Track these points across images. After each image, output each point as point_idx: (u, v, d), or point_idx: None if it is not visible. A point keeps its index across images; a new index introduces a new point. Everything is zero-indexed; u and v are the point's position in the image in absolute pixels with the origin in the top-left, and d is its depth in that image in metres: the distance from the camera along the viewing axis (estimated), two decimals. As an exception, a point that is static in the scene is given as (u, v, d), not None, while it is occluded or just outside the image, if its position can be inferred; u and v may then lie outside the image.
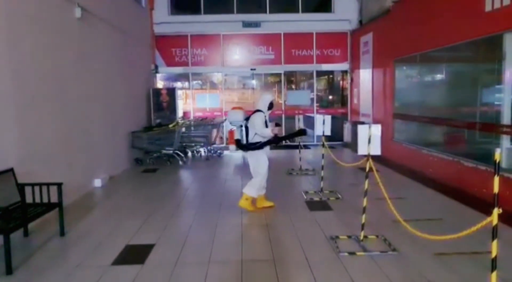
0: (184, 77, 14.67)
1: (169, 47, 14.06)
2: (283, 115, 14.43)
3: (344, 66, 14.26)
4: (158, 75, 14.18)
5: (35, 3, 6.22)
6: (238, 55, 14.28)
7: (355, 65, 13.62)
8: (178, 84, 14.86)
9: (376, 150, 4.85)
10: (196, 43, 14.11)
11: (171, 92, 12.92)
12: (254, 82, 15.32)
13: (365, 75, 12.60)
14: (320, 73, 14.89)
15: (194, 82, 14.72)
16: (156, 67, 13.75)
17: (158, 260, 4.66)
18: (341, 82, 15.30)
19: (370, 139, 4.83)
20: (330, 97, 15.87)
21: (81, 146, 7.61)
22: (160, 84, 14.42)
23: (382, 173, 9.01)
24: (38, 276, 4.29)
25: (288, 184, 8.54)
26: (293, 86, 15.78)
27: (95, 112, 8.39)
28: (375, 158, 4.96)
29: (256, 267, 4.45)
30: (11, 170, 5.27)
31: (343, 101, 14.97)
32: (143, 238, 5.36)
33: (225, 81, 14.87)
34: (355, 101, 13.83)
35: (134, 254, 4.84)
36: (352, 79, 14.08)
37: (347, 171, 9.31)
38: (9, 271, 4.34)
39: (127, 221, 6.07)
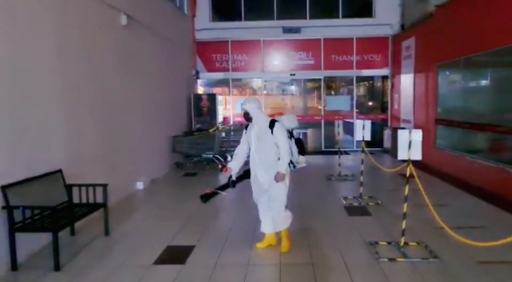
0: (224, 82, 14.87)
1: (209, 53, 14.29)
2: (322, 121, 14.36)
3: (385, 71, 14.05)
4: (199, 81, 14.43)
5: (83, 11, 6.50)
6: (278, 60, 14.34)
7: (396, 70, 13.39)
8: (219, 89, 15.07)
9: (416, 155, 4.77)
10: (236, 49, 14.28)
11: (212, 97, 13.12)
12: (293, 88, 15.34)
13: (407, 81, 12.37)
14: (360, 79, 14.73)
15: (234, 88, 14.89)
16: (197, 72, 14.00)
17: (198, 261, 4.76)
18: (381, 87, 15.07)
19: (410, 144, 4.75)
20: (370, 103, 15.65)
21: (124, 150, 7.86)
22: (200, 89, 14.67)
23: (423, 179, 8.80)
24: (84, 274, 4.47)
25: (327, 189, 8.49)
26: (333, 92, 15.69)
27: (138, 117, 8.65)
28: (415, 164, 4.88)
29: (295, 271, 4.46)
30: (60, 171, 5.53)
31: (383, 107, 14.73)
32: (183, 239, 5.48)
33: (264, 87, 14.97)
34: (395, 107, 13.59)
35: (175, 255, 4.95)
36: (393, 85, 13.85)
37: (387, 177, 9.16)
38: (57, 267, 4.54)
39: (168, 222, 6.21)
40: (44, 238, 4.92)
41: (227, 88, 14.81)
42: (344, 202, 7.18)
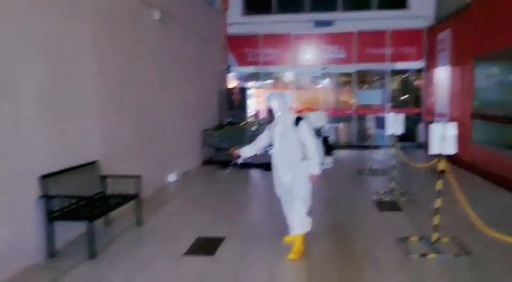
0: (255, 76, 14.89)
1: (241, 47, 14.33)
2: (354, 115, 14.20)
3: (419, 64, 13.73)
4: (231, 75, 14.50)
5: (118, 7, 6.64)
6: (309, 54, 14.24)
7: (431, 63, 13.07)
8: (250, 83, 15.10)
9: (450, 149, 4.66)
10: (268, 43, 14.26)
11: (243, 91, 13.17)
12: (325, 82, 15.20)
13: (442, 74, 12.06)
14: (393, 72, 14.45)
15: (266, 81, 14.90)
16: (229, 67, 14.07)
17: (227, 253, 4.82)
18: (415, 81, 14.75)
19: (443, 138, 4.65)
20: (404, 96, 15.34)
21: (157, 143, 8.01)
22: (232, 83, 14.74)
23: (458, 175, 8.61)
24: (118, 262, 4.61)
25: (358, 184, 8.42)
26: (365, 86, 15.46)
27: (171, 110, 8.78)
28: (450, 159, 4.78)
29: (324, 266, 4.46)
30: (95, 162, 5.70)
31: (418, 101, 14.42)
32: (214, 230, 5.55)
33: (296, 81, 14.91)
34: (430, 101, 13.28)
35: (205, 246, 5.04)
36: (427, 78, 13.53)
37: (419, 172, 8.99)
38: (92, 255, 4.70)
39: (199, 214, 6.32)
40: (80, 227, 5.07)
41: (258, 82, 14.84)
42: (375, 197, 7.11)
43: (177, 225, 5.88)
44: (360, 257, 4.64)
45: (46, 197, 4.67)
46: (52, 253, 4.74)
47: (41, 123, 4.78)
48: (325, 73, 14.77)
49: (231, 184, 8.47)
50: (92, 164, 5.64)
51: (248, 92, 13.34)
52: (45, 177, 4.72)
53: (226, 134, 11.07)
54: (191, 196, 7.60)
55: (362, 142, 13.74)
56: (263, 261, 4.57)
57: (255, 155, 5.21)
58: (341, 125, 14.91)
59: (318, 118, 4.96)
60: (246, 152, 5.04)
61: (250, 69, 14.49)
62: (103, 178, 5.76)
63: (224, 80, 13.80)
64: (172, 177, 8.68)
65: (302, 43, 14.23)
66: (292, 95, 14.63)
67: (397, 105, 14.52)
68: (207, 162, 11.01)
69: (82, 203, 4.94)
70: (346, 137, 14.66)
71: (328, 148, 5.03)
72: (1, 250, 4.16)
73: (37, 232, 4.66)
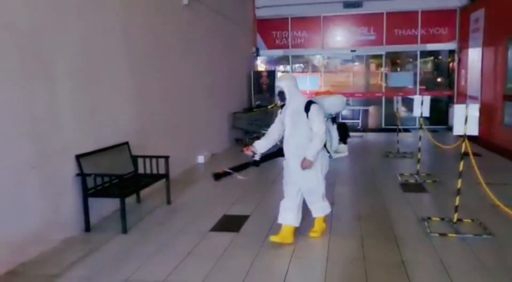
0: (285, 60, 14.93)
1: (270, 30, 14.38)
2: (383, 98, 14.08)
3: (451, 45, 13.44)
4: (259, 58, 14.59)
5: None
6: (338, 36, 14.16)
7: (464, 44, 12.78)
8: (280, 67, 15.16)
9: (473, 130, 4.67)
10: (296, 25, 14.24)
11: (271, 74, 13.26)
12: (354, 64, 15.10)
13: (474, 55, 11.79)
14: (424, 54, 14.21)
15: (296, 65, 14.93)
16: (257, 50, 14.16)
17: (251, 230, 5.02)
18: (447, 63, 14.45)
19: (467, 119, 4.66)
20: (435, 79, 15.08)
21: (186, 125, 8.25)
22: (261, 67, 14.84)
23: (489, 158, 8.56)
24: (148, 237, 4.88)
25: (384, 166, 8.45)
26: (395, 68, 15.27)
27: (200, 93, 8.99)
28: (480, 142, 4.79)
29: (344, 242, 4.59)
30: (127, 143, 5.97)
31: (449, 83, 14.15)
32: (239, 209, 5.76)
33: (325, 64, 14.87)
34: (462, 82, 13.02)
35: (230, 223, 5.25)
36: (459, 60, 13.24)
37: (447, 154, 8.92)
38: (124, 230, 4.98)
39: (225, 194, 6.53)
40: (113, 204, 5.36)
41: (287, 65, 14.88)
42: (400, 179, 7.15)
43: (204, 203, 6.12)
44: (380, 234, 4.75)
45: (82, 175, 4.96)
46: (87, 227, 5.05)
47: (76, 105, 5.05)
48: (354, 55, 14.67)
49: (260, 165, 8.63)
50: (124, 144, 5.91)
51: (277, 75, 13.41)
52: (80, 156, 5.01)
53: (255, 117, 11.25)
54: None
55: (391, 125, 13.65)
56: (286, 237, 4.74)
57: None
58: (371, 108, 14.84)
59: (335, 104, 4.62)
60: (261, 146, 4.69)
61: (279, 52, 14.53)
62: (134, 158, 6.03)
63: (253, 63, 13.91)
64: (201, 158, 8.93)
65: (331, 26, 14.16)
66: (321, 78, 14.62)
67: (429, 88, 14.31)
68: (236, 142, 11.21)
69: (115, 181, 5.21)
70: (376, 120, 14.58)
71: (344, 135, 4.75)
72: (43, 223, 4.48)
73: (74, 207, 4.98)
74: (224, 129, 10.77)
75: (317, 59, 15.07)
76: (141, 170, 6.06)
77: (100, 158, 5.34)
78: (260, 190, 6.70)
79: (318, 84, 14.49)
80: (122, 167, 5.69)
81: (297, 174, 4.46)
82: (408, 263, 4.01)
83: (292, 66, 14.75)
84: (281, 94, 4.51)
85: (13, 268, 4.01)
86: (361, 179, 7.39)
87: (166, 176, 6.01)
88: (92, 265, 4.17)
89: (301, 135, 4.40)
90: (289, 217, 4.56)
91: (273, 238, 4.48)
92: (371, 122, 14.63)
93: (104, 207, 5.41)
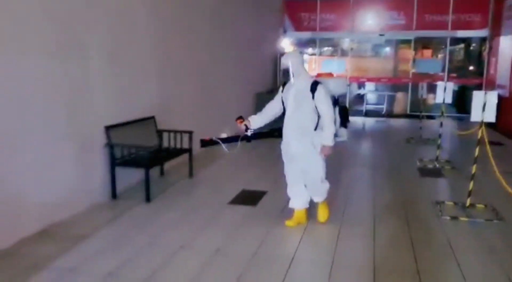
0: (312, 42, 14.91)
1: (298, 12, 14.33)
2: (410, 84, 13.97)
3: (483, 33, 13.14)
4: (286, 40, 14.59)
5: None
6: (367, 20, 14.02)
7: (496, 32, 12.50)
8: (310, 50, 15.13)
9: (490, 117, 4.74)
10: (325, 8, 14.15)
11: (297, 56, 13.29)
12: (382, 48, 14.97)
13: (506, 43, 11.55)
14: (454, 40, 13.96)
15: (324, 48, 14.89)
16: (285, 32, 14.19)
17: (268, 204, 5.24)
18: (478, 50, 14.18)
19: (484, 106, 4.72)
20: (465, 66, 14.84)
21: (210, 103, 8.46)
22: (288, 49, 14.85)
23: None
24: (170, 206, 5.16)
25: (404, 151, 8.51)
26: (424, 54, 15.06)
27: (225, 73, 9.17)
28: (507, 132, 4.84)
29: (356, 220, 4.76)
30: (153, 117, 6.23)
31: (479, 71, 13.90)
32: (258, 185, 5.97)
33: (352, 47, 14.79)
34: (491, 71, 12.79)
35: (248, 197, 5.48)
36: (490, 47, 12.97)
37: (468, 141, 8.87)
38: (148, 199, 5.28)
39: (246, 170, 6.76)
40: (137, 175, 5.64)
41: (314, 48, 14.87)
42: (419, 164, 7.22)
43: (224, 178, 6.37)
44: (392, 215, 4.90)
45: (110, 145, 5.26)
46: (114, 194, 5.37)
47: (107, 79, 5.32)
48: (383, 40, 14.54)
49: (280, 145, 8.82)
50: (150, 118, 6.18)
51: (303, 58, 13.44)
52: (109, 128, 5.29)
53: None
54: (240, 154, 7.98)
55: (416, 111, 13.56)
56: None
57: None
58: (398, 94, 14.73)
59: (338, 86, 4.51)
60: (256, 122, 4.53)
61: (306, 34, 14.50)
62: (160, 132, 6.29)
63: (279, 45, 13.96)
64: (223, 136, 9.13)
65: (360, 9, 14.01)
66: (348, 62, 14.57)
67: (458, 75, 14.10)
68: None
69: (140, 152, 5.48)
70: (401, 107, 14.50)
71: (345, 119, 4.66)
72: (74, 188, 4.80)
73: (103, 175, 5.29)
74: (248, 110, 10.92)
75: (345, 43, 14.99)
76: (165, 144, 6.33)
77: (127, 130, 5.61)
78: (279, 168, 6.87)
79: (345, 68, 14.45)
80: (147, 139, 5.95)
81: (299, 158, 4.36)
82: (417, 242, 4.15)
83: (320, 49, 14.72)
84: (286, 72, 4.26)
85: (46, 228, 4.34)
86: (380, 162, 7.50)
87: (189, 150, 6.26)
88: (117, 228, 4.48)
89: (304, 118, 4.24)
90: (297, 201, 4.57)
91: (289, 223, 4.52)
92: (396, 108, 14.55)
93: (130, 177, 5.69)
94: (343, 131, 4.71)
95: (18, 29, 4.01)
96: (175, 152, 6.11)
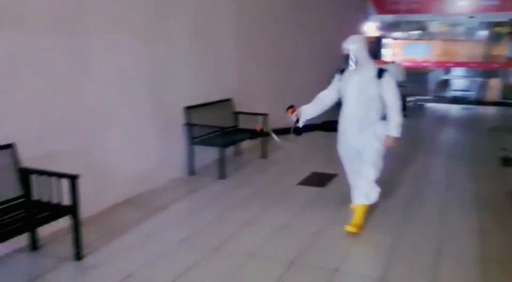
0: (396, 26, 14.41)
1: (382, -6, 13.93)
2: (503, 70, 13.06)
3: None
4: (369, 23, 14.25)
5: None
6: (457, 1, 13.26)
7: None
8: (396, 34, 14.63)
9: None
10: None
11: (378, 40, 12.98)
12: (474, 31, 14.10)
13: None
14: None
15: (409, 32, 14.34)
16: (367, 15, 13.85)
17: (336, 187, 5.32)
18: None
19: None
20: None
21: (286, 88, 8.59)
22: (371, 32, 14.49)
23: None
24: (243, 183, 5.46)
25: (488, 139, 8.10)
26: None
27: (304, 58, 9.25)
28: None
29: (424, 206, 4.72)
30: (231, 99, 6.53)
31: None
32: (329, 168, 6.02)
33: (441, 31, 14.09)
34: None
35: (318, 179, 5.60)
36: None
37: None
38: (222, 176, 5.60)
39: (318, 153, 6.85)
40: (214, 154, 5.95)
41: (399, 31, 14.37)
42: (502, 153, 6.85)
43: (296, 161, 6.53)
44: (464, 203, 4.79)
45: (189, 125, 5.63)
46: (191, 171, 5.76)
47: (189, 63, 5.67)
48: (473, 22, 13.68)
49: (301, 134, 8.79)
50: (227, 100, 6.49)
51: (384, 42, 13.09)
52: (189, 108, 5.66)
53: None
54: (313, 138, 8.11)
55: (509, 98, 12.69)
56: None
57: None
58: (488, 80, 13.87)
59: (398, 72, 4.31)
60: (307, 113, 4.18)
61: (389, 18, 14.06)
62: (236, 113, 6.58)
63: (360, 29, 13.67)
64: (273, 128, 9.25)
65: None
66: (435, 46, 13.93)
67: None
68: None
69: (217, 133, 5.78)
70: (493, 93, 13.63)
71: (404, 108, 4.28)
72: (156, 163, 5.25)
73: (182, 153, 5.70)
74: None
75: (432, 26, 14.31)
76: (241, 125, 6.60)
77: (206, 110, 5.95)
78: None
79: (431, 52, 13.84)
80: (225, 120, 6.26)
81: (360, 149, 4.03)
82: (486, 232, 4.04)
83: (404, 32, 14.20)
84: (348, 59, 3.89)
85: (129, 198, 4.81)
86: (460, 150, 7.26)
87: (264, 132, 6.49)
88: (192, 202, 4.87)
89: (368, 108, 3.91)
90: (361, 198, 4.12)
91: (349, 228, 3.98)
92: (486, 95, 13.70)
93: (207, 156, 6.03)
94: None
95: (113, 13, 4.44)
96: (251, 133, 6.36)
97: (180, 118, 5.61)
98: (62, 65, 3.95)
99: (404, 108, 4.37)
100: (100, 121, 4.40)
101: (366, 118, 3.94)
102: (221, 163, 5.59)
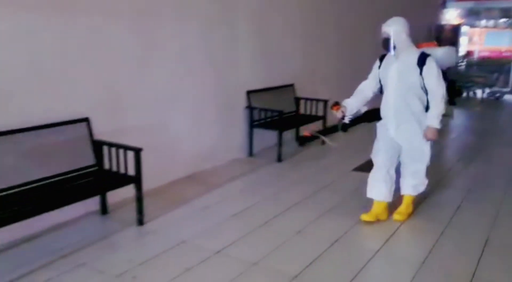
0: (475, 13, 13.67)
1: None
2: None
3: None
4: (448, 10, 13.62)
5: None
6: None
7: None
8: (481, 22, 13.85)
9: None
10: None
11: (456, 29, 12.43)
12: None
13: None
14: None
15: (493, 20, 13.55)
16: (444, 2, 13.27)
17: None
18: None
19: None
20: None
21: (349, 76, 8.51)
22: (451, 20, 13.83)
23: None
24: (298, 167, 5.67)
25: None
26: None
27: (369, 46, 9.09)
28: None
29: (477, 204, 4.64)
30: (292, 85, 6.70)
31: None
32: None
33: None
34: None
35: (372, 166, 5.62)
36: None
37: None
38: (279, 159, 5.82)
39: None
40: (273, 138, 6.14)
41: (485, 19, 13.60)
42: None
43: (356, 147, 6.53)
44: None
45: (250, 108, 5.88)
46: (250, 153, 6.03)
47: (251, 49, 5.91)
48: None
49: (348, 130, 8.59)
50: (289, 86, 6.66)
51: (462, 30, 12.50)
52: (250, 92, 5.91)
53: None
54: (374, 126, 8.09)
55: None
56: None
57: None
58: None
59: (447, 56, 3.81)
60: (352, 107, 3.97)
61: (469, 4, 13.35)
62: (297, 99, 6.74)
63: (437, 16, 13.15)
64: (364, 108, 9.19)
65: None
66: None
67: None
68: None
69: (276, 117, 5.98)
70: None
71: (453, 95, 3.96)
72: (217, 143, 5.57)
73: (242, 135, 5.98)
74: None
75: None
76: (302, 111, 6.75)
77: (267, 95, 6.17)
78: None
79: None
80: (285, 106, 6.43)
81: (401, 143, 3.87)
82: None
83: (487, 20, 13.42)
84: (387, 42, 3.69)
85: (190, 174, 5.17)
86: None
87: (323, 117, 6.59)
88: (247, 181, 5.14)
89: (411, 97, 3.69)
90: (379, 191, 3.94)
91: (365, 217, 3.94)
92: None
93: (266, 139, 6.24)
94: (448, 110, 3.93)
95: (181, 1, 4.78)
96: (310, 118, 6.50)
97: (242, 101, 5.87)
98: (132, 49, 4.34)
99: (457, 94, 4.00)
100: (165, 101, 4.77)
101: (408, 109, 3.71)
102: (279, 146, 5.80)
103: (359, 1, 8.47)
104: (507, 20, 13.71)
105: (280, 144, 5.78)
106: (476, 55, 13.35)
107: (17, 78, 3.45)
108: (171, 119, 4.88)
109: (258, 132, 6.00)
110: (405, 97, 3.70)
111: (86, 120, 3.90)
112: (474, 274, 3.13)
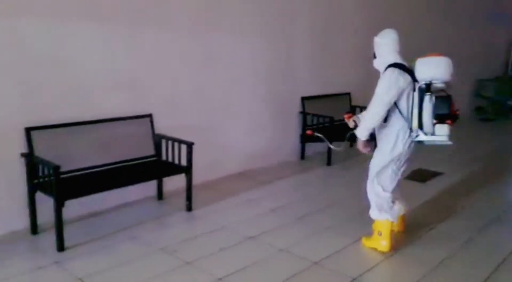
0: None
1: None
2: None
3: None
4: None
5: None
6: None
7: None
8: None
9: None
10: None
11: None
12: None
13: None
14: None
15: None
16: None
17: (436, 184, 5.44)
18: None
19: None
20: None
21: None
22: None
23: None
24: (344, 171, 5.95)
25: None
26: None
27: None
28: None
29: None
30: (349, 94, 6.97)
31: None
32: (437, 166, 6.05)
33: None
34: None
35: (421, 175, 5.72)
36: None
37: None
38: (328, 163, 6.13)
39: (430, 151, 6.78)
40: (325, 143, 6.41)
41: None
42: None
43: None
44: None
45: (303, 113, 6.23)
46: (302, 156, 6.38)
47: (307, 58, 6.28)
48: None
49: (486, 134, 8.36)
50: (345, 94, 6.92)
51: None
52: (304, 98, 6.26)
53: (503, 86, 10.50)
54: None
55: None
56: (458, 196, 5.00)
57: None
58: None
59: (430, 65, 3.32)
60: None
61: None
62: (353, 107, 6.95)
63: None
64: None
65: None
66: None
67: None
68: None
69: (328, 124, 6.23)
70: None
71: (443, 112, 3.27)
72: (270, 145, 5.99)
73: (295, 138, 6.34)
74: (463, 97, 10.42)
75: None
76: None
77: (321, 102, 6.48)
78: (468, 154, 6.77)
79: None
80: (339, 113, 6.67)
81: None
82: None
83: None
84: (374, 55, 3.59)
85: (242, 171, 5.64)
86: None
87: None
88: (294, 181, 5.54)
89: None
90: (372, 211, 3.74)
91: (366, 242, 3.74)
92: None
93: (319, 143, 6.53)
94: (440, 130, 3.32)
95: (241, 16, 5.29)
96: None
97: (296, 107, 6.24)
98: (195, 58, 4.90)
99: (456, 116, 3.37)
100: (221, 102, 5.28)
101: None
102: (328, 151, 6.07)
103: (429, 18, 8.47)
104: None
105: (329, 149, 6.06)
106: None
107: (97, 77, 4.12)
108: (226, 120, 5.37)
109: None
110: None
111: (149, 116, 4.50)
112: None
